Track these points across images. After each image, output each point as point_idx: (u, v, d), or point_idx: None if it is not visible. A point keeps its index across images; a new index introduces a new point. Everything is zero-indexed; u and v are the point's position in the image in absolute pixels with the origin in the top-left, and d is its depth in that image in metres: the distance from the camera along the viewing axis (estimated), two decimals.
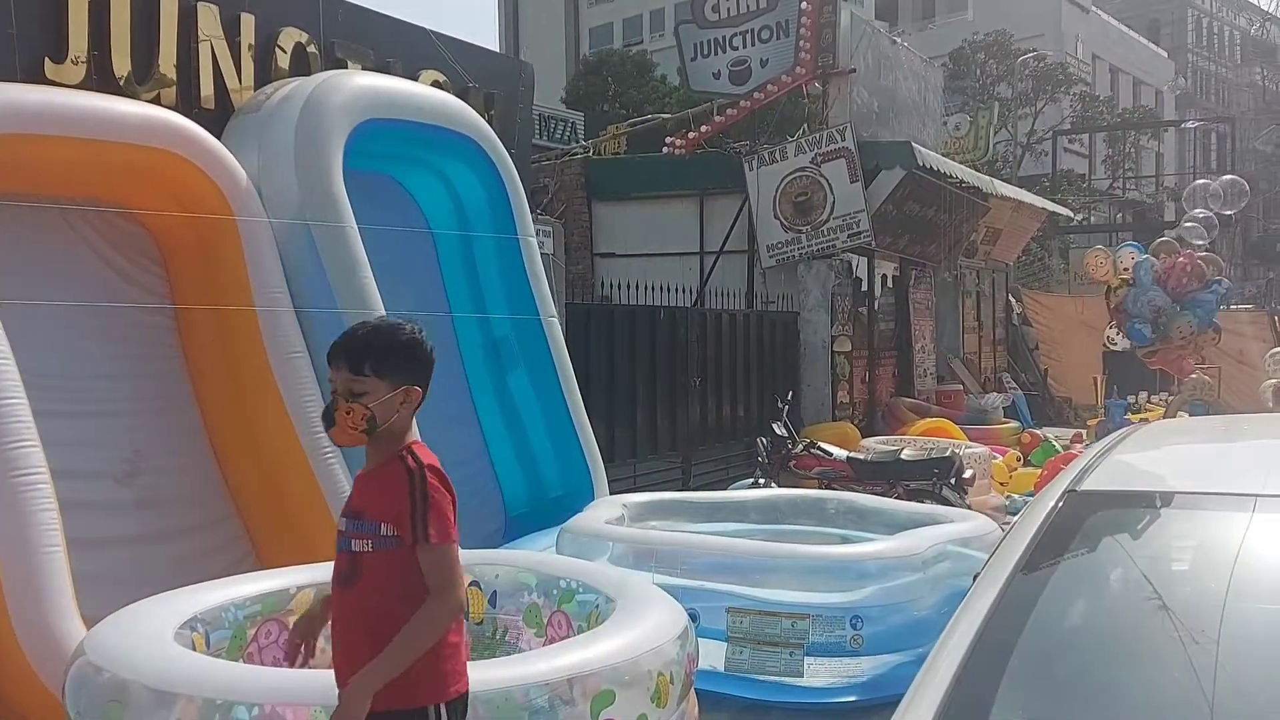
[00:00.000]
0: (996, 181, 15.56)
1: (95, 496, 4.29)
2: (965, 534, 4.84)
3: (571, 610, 3.55)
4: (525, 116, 7.92)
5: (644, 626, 2.96)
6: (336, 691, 2.33)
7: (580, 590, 3.56)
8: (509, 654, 3.70)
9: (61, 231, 4.57)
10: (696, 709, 3.12)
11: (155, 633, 2.82)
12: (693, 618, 4.49)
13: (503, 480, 6.38)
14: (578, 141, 17.32)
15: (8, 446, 3.52)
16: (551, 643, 3.59)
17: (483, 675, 2.55)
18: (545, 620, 3.63)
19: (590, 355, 8.43)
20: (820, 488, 8.17)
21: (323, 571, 3.76)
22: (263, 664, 3.44)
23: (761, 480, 8.21)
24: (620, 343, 9.13)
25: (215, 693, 2.44)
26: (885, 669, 4.40)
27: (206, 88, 5.35)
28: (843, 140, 12.21)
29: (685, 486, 9.80)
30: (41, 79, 4.59)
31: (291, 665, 3.14)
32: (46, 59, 4.66)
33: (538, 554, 4.00)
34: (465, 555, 4.20)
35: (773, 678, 4.28)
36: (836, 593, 4.38)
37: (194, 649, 3.07)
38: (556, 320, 6.63)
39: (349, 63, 6.04)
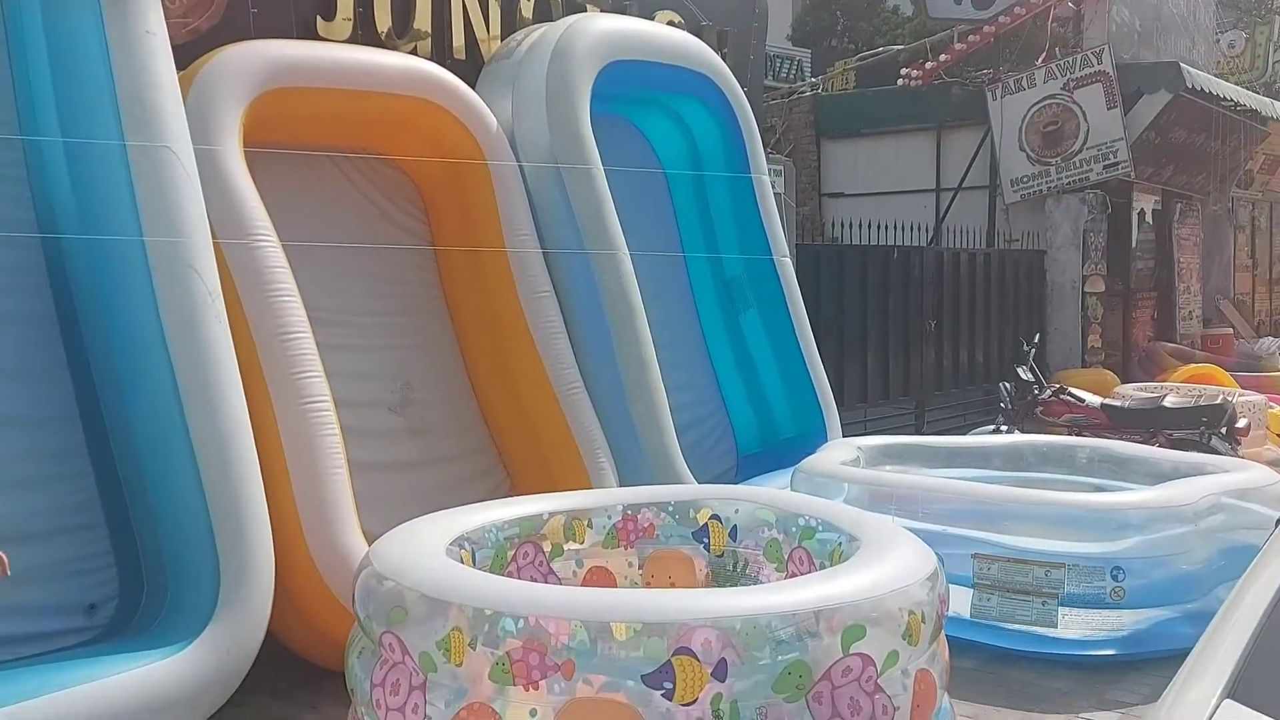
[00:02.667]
0: (1278, 104, 13.93)
1: (370, 425, 4.67)
2: (1243, 485, 4.44)
3: (812, 547, 3.54)
4: (758, 53, 7.81)
5: (892, 565, 2.90)
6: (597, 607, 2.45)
7: (821, 528, 3.55)
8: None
9: (335, 180, 4.94)
10: (947, 652, 3.04)
11: (430, 548, 3.05)
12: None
13: (735, 420, 6.43)
14: (804, 80, 16.90)
15: (297, 376, 3.88)
16: (794, 578, 3.61)
17: (728, 602, 2.59)
18: (785, 556, 3.64)
19: (820, 297, 8.30)
20: (1069, 435, 7.73)
21: (571, 500, 3.96)
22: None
23: (1004, 427, 7.86)
24: (851, 284, 8.93)
25: (485, 604, 2.61)
26: (1147, 624, 4.16)
27: (458, 39, 5.60)
28: (1099, 63, 11.28)
29: (918, 433, 9.53)
30: (313, 35, 4.95)
31: None
32: (318, 17, 5.02)
33: (775, 491, 4.01)
34: (703, 490, 4.29)
35: (1023, 627, 4.12)
36: (1095, 543, 4.14)
37: (462, 564, 3.30)
38: (789, 260, 6.56)
39: (588, 6, 6.15)
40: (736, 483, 5.76)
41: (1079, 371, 10.93)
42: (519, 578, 3.63)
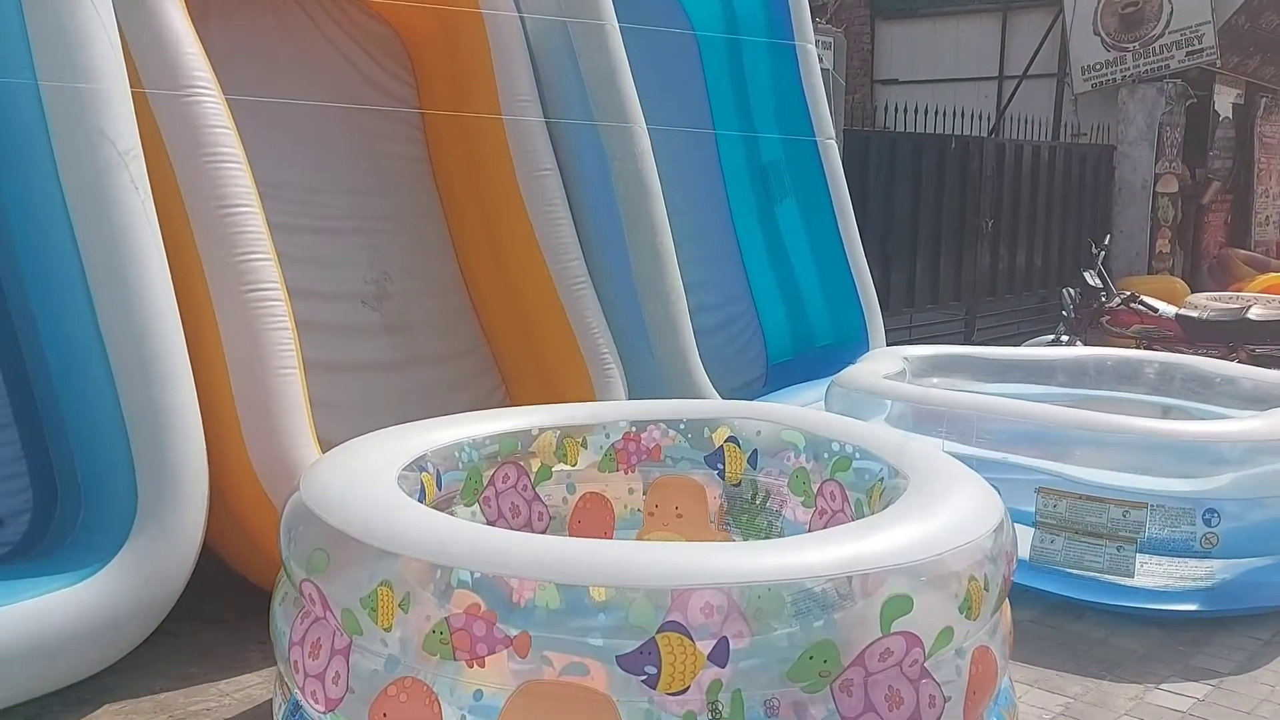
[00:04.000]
0: None
1: (340, 320, 4.07)
2: None
3: (847, 480, 2.92)
4: None
5: (948, 512, 2.28)
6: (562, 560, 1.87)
7: (858, 457, 2.92)
8: (771, 524, 3.16)
9: (305, 30, 4.25)
10: (1010, 620, 2.44)
11: (376, 474, 2.47)
12: None
13: (766, 324, 5.76)
14: None
15: (241, 258, 3.27)
16: (823, 515, 3.00)
17: (729, 561, 1.99)
18: (815, 489, 3.03)
19: (867, 190, 7.52)
20: (1137, 349, 7.00)
21: (563, 414, 3.36)
22: (499, 510, 3.09)
23: (1064, 337, 7.14)
24: (902, 176, 8.10)
25: (421, 551, 2.03)
26: (1238, 575, 3.52)
27: None
28: None
29: (967, 342, 8.82)
30: None
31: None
32: None
33: (805, 410, 3.38)
34: (721, 406, 3.67)
35: (1091, 574, 3.51)
36: (1183, 479, 3.48)
37: (423, 492, 2.73)
38: (834, 143, 5.79)
39: None
40: (765, 396, 5.13)
41: (1145, 279, 10.08)
42: (496, 506, 3.07)
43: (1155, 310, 6.93)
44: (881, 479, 2.76)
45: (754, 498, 3.20)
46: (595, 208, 4.41)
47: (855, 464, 2.91)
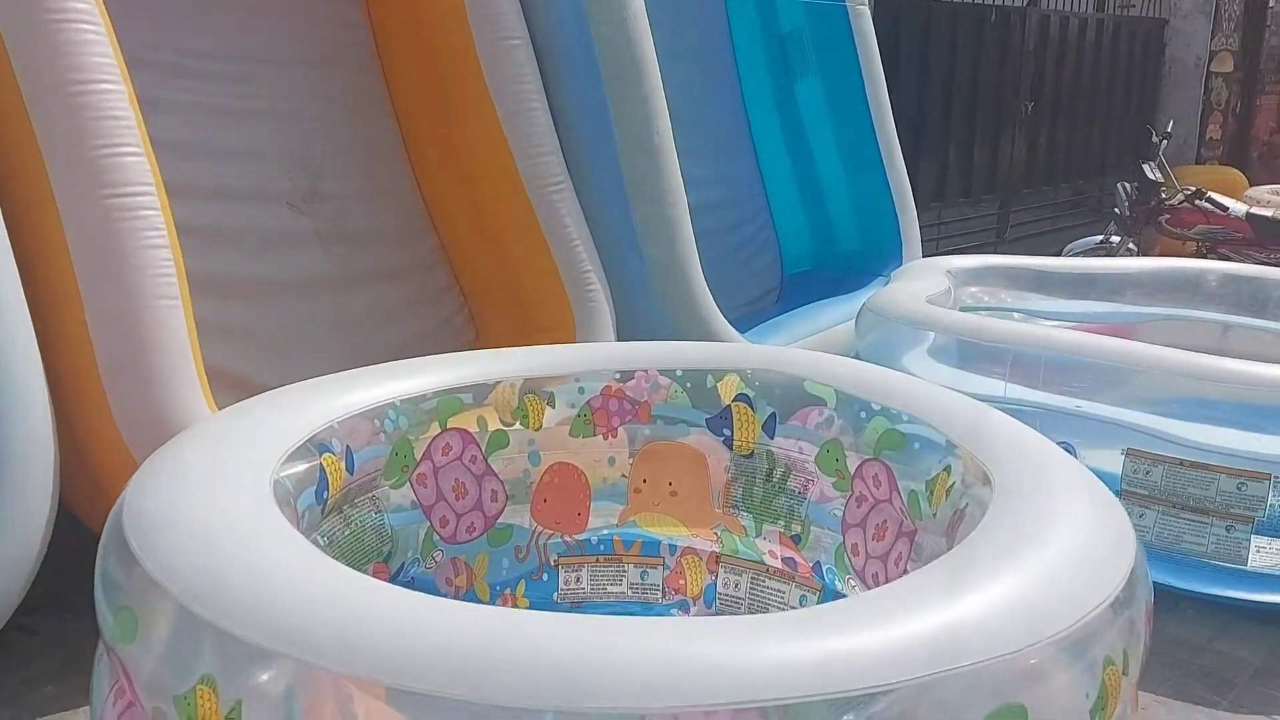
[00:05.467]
0: None
1: (259, 225, 3.28)
2: None
3: (898, 462, 2.18)
4: None
5: (1064, 549, 1.55)
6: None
7: (911, 427, 2.17)
8: (792, 509, 2.43)
9: None
10: (1137, 700, 1.73)
11: (240, 472, 1.73)
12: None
13: (781, 228, 4.94)
14: None
15: (99, 151, 2.46)
16: (862, 503, 2.27)
17: (755, 662, 1.26)
18: (852, 470, 2.29)
19: (898, 67, 6.56)
20: (1199, 253, 6.20)
21: (527, 360, 2.61)
22: (438, 491, 2.37)
23: (1115, 237, 6.32)
24: (936, 52, 7.13)
25: (266, 637, 1.30)
26: None
27: None
28: None
29: (1000, 239, 7.99)
30: None
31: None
32: None
33: (843, 360, 2.60)
34: (729, 352, 2.89)
35: (1192, 557, 2.81)
36: None
37: (324, 483, 2.01)
38: (867, 10, 4.87)
39: None
40: (779, 313, 4.37)
41: (1196, 169, 9.16)
42: (435, 485, 2.35)
43: (1225, 209, 6.08)
44: (949, 468, 2.02)
45: (771, 473, 2.47)
46: (575, 86, 3.56)
47: (910, 439, 2.17)
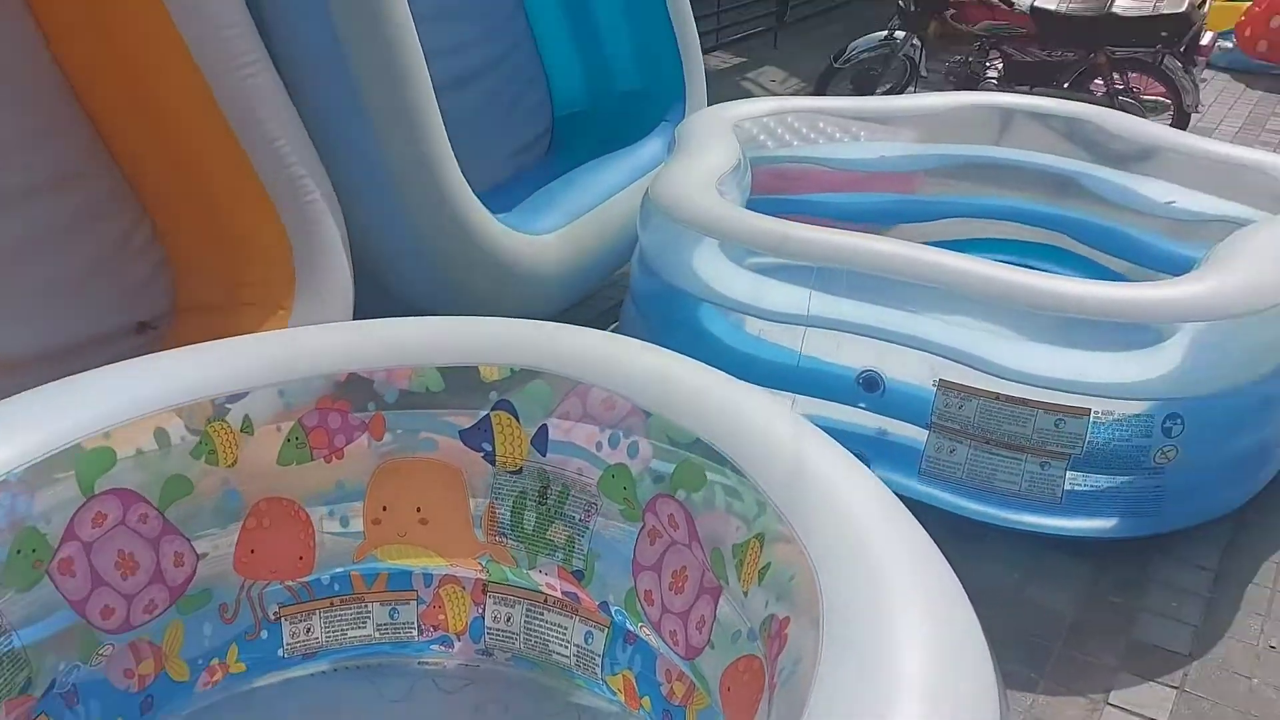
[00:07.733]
0: None
1: None
2: None
3: (697, 505, 1.74)
4: None
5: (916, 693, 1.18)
6: None
7: (716, 470, 1.72)
8: (573, 540, 1.97)
9: None
10: None
11: None
12: (870, 383, 2.72)
13: (549, 62, 4.17)
14: None
15: None
16: (655, 539, 1.84)
17: None
18: (642, 503, 1.84)
19: None
20: (981, 49, 5.90)
21: (220, 362, 1.94)
22: (94, 575, 1.75)
23: (899, 34, 5.93)
24: None
25: None
26: (1188, 491, 2.65)
27: None
28: None
29: (776, 45, 7.44)
30: None
31: None
32: None
33: (614, 338, 2.02)
34: (470, 330, 2.14)
35: (1001, 494, 2.59)
36: (1132, 369, 2.51)
37: None
38: None
39: None
40: (552, 168, 3.73)
41: None
42: (89, 568, 1.74)
43: (1011, 4, 5.75)
44: (760, 536, 1.60)
45: (544, 494, 1.98)
46: None
47: (713, 479, 1.73)
